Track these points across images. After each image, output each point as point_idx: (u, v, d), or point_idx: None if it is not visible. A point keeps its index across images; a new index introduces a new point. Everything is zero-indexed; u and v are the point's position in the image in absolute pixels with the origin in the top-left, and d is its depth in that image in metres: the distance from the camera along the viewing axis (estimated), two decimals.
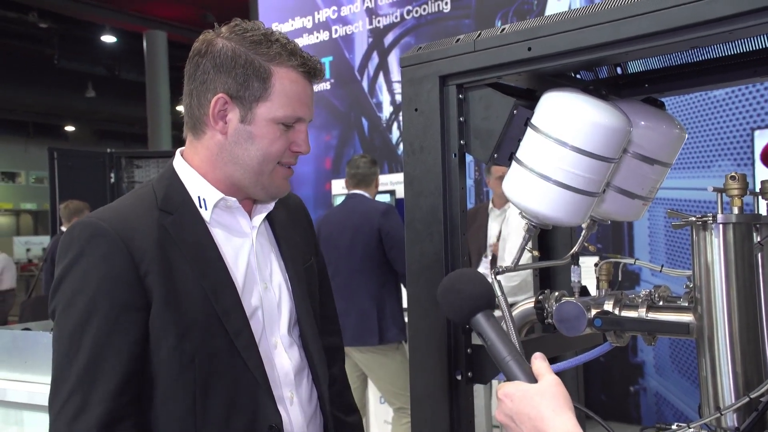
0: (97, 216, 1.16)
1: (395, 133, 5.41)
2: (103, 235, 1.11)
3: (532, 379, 0.94)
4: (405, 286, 3.80)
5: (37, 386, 2.35)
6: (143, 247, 1.12)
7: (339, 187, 5.27)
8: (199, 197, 1.21)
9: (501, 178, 4.41)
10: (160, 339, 1.11)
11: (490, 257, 4.00)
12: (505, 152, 1.32)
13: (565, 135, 1.20)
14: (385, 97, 5.47)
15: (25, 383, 2.41)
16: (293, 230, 1.37)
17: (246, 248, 1.25)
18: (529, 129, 1.27)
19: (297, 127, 1.23)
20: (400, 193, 4.93)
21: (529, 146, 1.26)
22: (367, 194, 3.74)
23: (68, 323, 1.09)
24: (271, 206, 1.30)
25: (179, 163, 1.25)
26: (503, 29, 1.27)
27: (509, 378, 0.96)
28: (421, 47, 1.38)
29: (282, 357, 1.25)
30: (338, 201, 4.94)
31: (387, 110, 5.45)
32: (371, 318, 3.50)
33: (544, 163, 1.23)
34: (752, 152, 3.85)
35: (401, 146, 5.46)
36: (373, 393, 4.21)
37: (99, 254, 1.11)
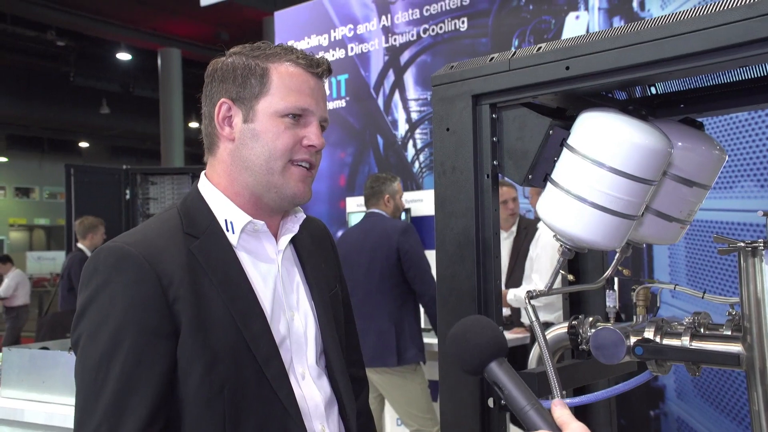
0: (123, 240, 1.12)
1: (410, 151, 5.38)
2: (130, 259, 1.07)
3: (555, 428, 0.90)
4: (423, 306, 3.78)
5: (56, 407, 2.31)
6: (171, 272, 1.08)
7: (354, 205, 5.24)
8: (226, 220, 1.18)
9: (504, 202, 4.45)
10: (188, 368, 1.06)
11: (504, 279, 3.95)
12: (539, 173, 1.28)
13: (604, 156, 1.17)
14: (400, 115, 5.45)
15: (43, 404, 2.36)
16: (318, 256, 1.33)
17: (272, 274, 1.20)
18: (565, 149, 1.23)
19: (305, 121, 1.18)
20: (416, 211, 4.89)
21: (566, 167, 1.22)
22: (384, 212, 3.71)
23: (95, 352, 1.05)
24: (296, 229, 1.26)
25: (204, 185, 1.22)
26: (540, 48, 1.24)
27: (531, 428, 0.91)
28: (453, 66, 1.35)
29: (311, 388, 1.19)
30: (353, 218, 4.91)
31: (402, 128, 5.43)
32: (390, 338, 3.44)
33: (581, 185, 1.19)
34: None
35: (416, 164, 5.39)
36: (389, 414, 4.15)
37: (126, 279, 1.06)
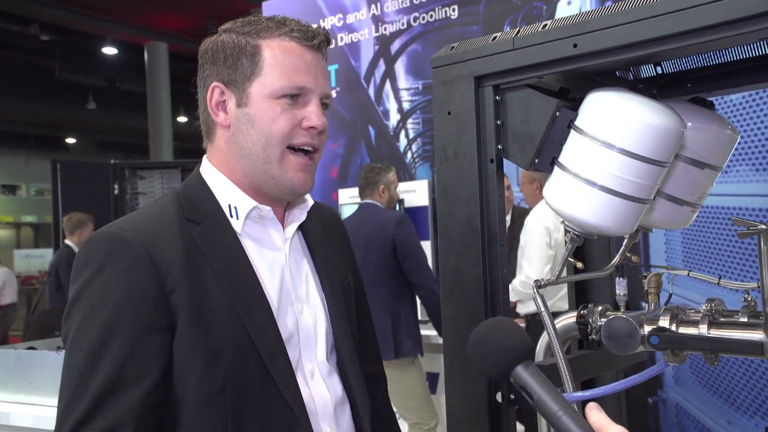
0: (118, 226, 1.05)
1: (403, 141, 5.32)
2: (125, 245, 1.00)
3: None
4: (420, 298, 3.73)
5: (43, 409, 2.24)
6: (169, 260, 1.01)
7: (346, 197, 5.18)
8: (230, 205, 1.11)
9: None
10: (186, 365, 1.00)
11: None
12: (546, 157, 1.23)
13: (615, 137, 1.12)
14: (392, 105, 5.39)
15: (30, 406, 2.28)
16: (329, 245, 1.26)
17: (279, 264, 1.13)
18: (572, 132, 1.18)
19: (303, 100, 1.10)
20: (409, 201, 4.83)
21: (574, 150, 1.17)
22: (378, 203, 3.65)
23: (83, 345, 0.98)
24: (303, 216, 1.19)
25: (206, 169, 1.15)
26: (545, 25, 1.18)
27: None
28: (454, 46, 1.29)
29: (320, 387, 1.12)
30: (345, 210, 4.85)
31: (394, 118, 5.37)
32: (386, 331, 3.40)
33: (591, 168, 1.14)
34: None
35: (409, 154, 5.32)
36: None
37: (120, 267, 0.99)
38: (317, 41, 1.12)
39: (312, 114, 1.10)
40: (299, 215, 1.19)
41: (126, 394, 0.96)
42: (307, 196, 1.21)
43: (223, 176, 1.13)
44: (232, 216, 1.10)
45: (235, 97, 1.10)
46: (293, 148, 1.10)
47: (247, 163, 1.11)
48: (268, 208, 1.13)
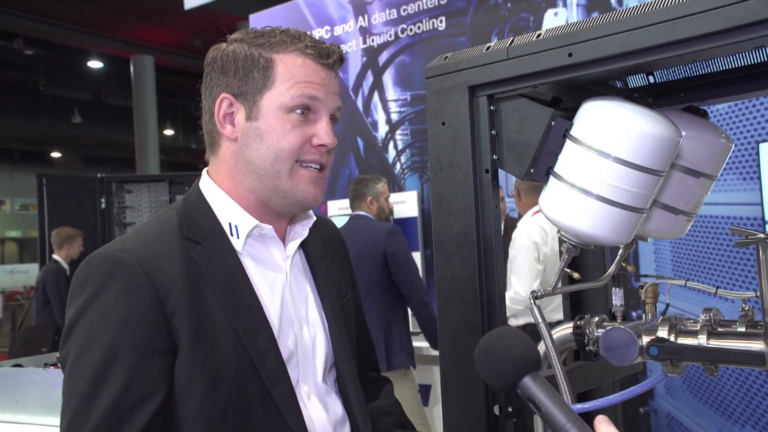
0: (116, 247, 1.02)
1: (391, 153, 5.32)
2: (124, 268, 0.98)
3: None
4: (412, 309, 3.71)
5: (31, 428, 2.18)
6: (170, 282, 0.98)
7: (335, 209, 5.16)
8: (230, 224, 1.08)
9: None
10: (188, 389, 0.97)
11: None
12: (542, 167, 1.22)
13: (611, 147, 1.11)
14: (380, 116, 5.39)
15: (16, 425, 2.23)
16: (329, 261, 1.24)
17: (280, 283, 1.11)
18: (568, 141, 1.17)
19: (314, 117, 1.08)
20: (398, 212, 4.83)
21: (569, 160, 1.17)
22: (369, 215, 3.64)
23: (84, 371, 0.95)
24: (305, 233, 1.17)
25: (206, 184, 1.12)
26: (539, 34, 1.18)
27: None
28: (448, 56, 1.29)
29: (317, 408, 1.10)
30: (335, 222, 4.84)
31: (383, 129, 5.37)
32: (378, 343, 3.37)
33: (587, 178, 1.14)
34: (758, 165, 3.79)
35: (398, 165, 5.31)
36: None
37: (119, 290, 0.97)
38: (332, 60, 1.11)
39: (322, 132, 1.08)
40: (301, 231, 1.17)
41: (129, 419, 0.94)
42: (310, 211, 1.19)
43: (224, 193, 1.10)
44: (232, 234, 1.08)
45: (244, 110, 1.08)
46: (301, 164, 1.09)
47: (255, 177, 1.08)
48: (270, 226, 1.11)
